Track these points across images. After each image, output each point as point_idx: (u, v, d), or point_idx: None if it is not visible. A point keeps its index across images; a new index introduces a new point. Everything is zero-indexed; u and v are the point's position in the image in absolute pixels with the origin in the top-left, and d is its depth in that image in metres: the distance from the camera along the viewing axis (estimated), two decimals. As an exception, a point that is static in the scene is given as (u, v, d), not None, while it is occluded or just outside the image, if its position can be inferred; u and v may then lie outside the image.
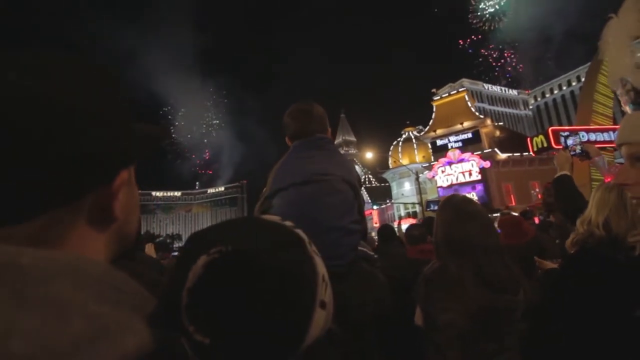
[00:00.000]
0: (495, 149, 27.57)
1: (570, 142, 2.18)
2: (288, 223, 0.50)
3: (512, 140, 29.25)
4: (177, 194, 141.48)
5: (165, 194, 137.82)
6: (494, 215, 10.67)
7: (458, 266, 1.34)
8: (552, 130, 13.49)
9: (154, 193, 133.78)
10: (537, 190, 25.42)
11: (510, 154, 27.51)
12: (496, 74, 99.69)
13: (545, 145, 13.58)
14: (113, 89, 0.39)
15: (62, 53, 0.35)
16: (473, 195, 26.28)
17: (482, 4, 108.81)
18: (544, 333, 1.32)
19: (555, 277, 1.80)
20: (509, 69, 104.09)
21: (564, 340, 1.22)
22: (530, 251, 2.36)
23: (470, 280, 1.30)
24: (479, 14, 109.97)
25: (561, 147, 2.21)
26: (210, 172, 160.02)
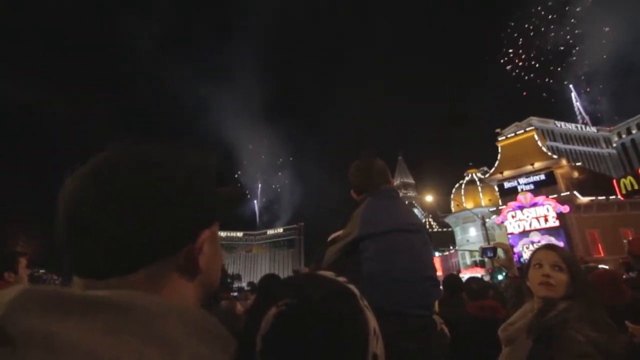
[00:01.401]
0: (575, 192, 24.87)
1: None
2: (341, 279, 0.56)
3: (594, 181, 26.30)
4: (239, 234, 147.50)
5: (228, 234, 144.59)
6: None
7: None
8: (644, 171, 11.90)
9: (218, 233, 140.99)
10: (631, 239, 22.01)
11: (593, 198, 24.55)
12: (579, 117, 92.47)
13: (636, 187, 11.94)
14: (205, 167, 0.51)
15: (168, 142, 0.51)
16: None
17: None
18: None
19: None
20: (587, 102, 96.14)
21: None
22: (629, 314, 2.02)
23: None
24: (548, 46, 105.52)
25: None
26: (278, 219, 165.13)
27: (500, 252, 1.98)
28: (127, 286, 0.41)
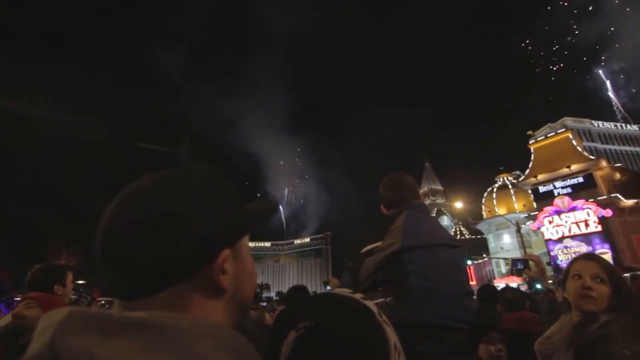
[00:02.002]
0: (617, 195, 23.37)
1: None
2: (358, 295, 0.57)
3: (639, 183, 24.60)
4: (267, 244, 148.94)
5: (256, 244, 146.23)
6: (625, 275, 8.77)
7: None
8: (695, 171, 11.02)
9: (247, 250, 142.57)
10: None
11: (638, 200, 22.99)
12: (619, 115, 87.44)
13: (687, 188, 11.07)
14: (221, 187, 0.53)
15: (186, 168, 0.53)
16: (604, 253, 22.19)
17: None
18: None
19: None
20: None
21: None
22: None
23: None
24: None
25: None
26: (305, 229, 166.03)
27: (531, 265, 1.92)
28: (152, 307, 0.44)
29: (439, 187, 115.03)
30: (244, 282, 0.52)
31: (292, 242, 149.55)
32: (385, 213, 1.67)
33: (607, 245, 22.36)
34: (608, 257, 21.89)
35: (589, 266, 1.37)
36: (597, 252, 21.93)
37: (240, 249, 0.53)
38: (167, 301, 0.45)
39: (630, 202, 23.01)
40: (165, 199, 0.47)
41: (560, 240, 24.17)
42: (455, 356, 1.24)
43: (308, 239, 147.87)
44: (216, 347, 0.41)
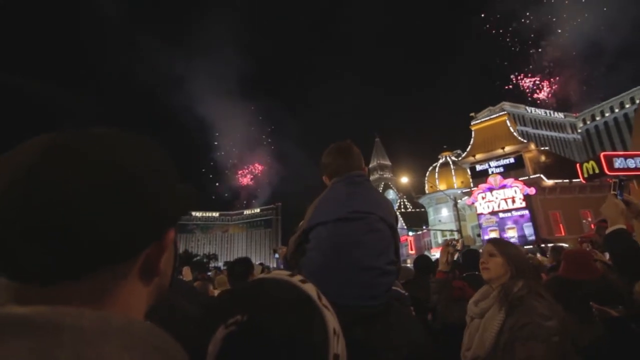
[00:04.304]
0: (541, 175, 26.03)
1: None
2: (296, 279, 0.52)
3: (560, 165, 27.53)
4: (215, 214, 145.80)
5: (204, 214, 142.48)
6: (542, 246, 9.95)
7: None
8: (604, 156, 12.44)
9: (193, 213, 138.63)
10: (590, 219, 23.44)
11: (557, 181, 25.81)
12: (542, 95, 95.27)
13: (597, 171, 12.52)
14: (166, 160, 0.45)
15: (137, 134, 0.44)
16: (514, 230, 24.77)
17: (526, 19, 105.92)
18: None
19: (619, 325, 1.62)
20: (554, 89, 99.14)
21: None
22: (599, 291, 2.11)
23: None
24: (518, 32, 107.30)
25: (617, 172, 1.94)
26: (255, 199, 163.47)
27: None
28: (74, 295, 0.35)
29: (388, 162, 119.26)
30: (170, 266, 0.46)
31: (242, 213, 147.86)
32: (327, 184, 1.58)
33: (525, 218, 25.17)
34: (531, 229, 24.73)
35: (486, 248, 1.80)
36: (523, 225, 24.72)
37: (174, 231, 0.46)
38: (96, 287, 0.36)
39: (550, 182, 25.76)
40: (124, 162, 0.38)
41: (492, 214, 26.63)
42: (349, 331, 1.21)
43: (258, 210, 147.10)
44: (127, 347, 0.33)
